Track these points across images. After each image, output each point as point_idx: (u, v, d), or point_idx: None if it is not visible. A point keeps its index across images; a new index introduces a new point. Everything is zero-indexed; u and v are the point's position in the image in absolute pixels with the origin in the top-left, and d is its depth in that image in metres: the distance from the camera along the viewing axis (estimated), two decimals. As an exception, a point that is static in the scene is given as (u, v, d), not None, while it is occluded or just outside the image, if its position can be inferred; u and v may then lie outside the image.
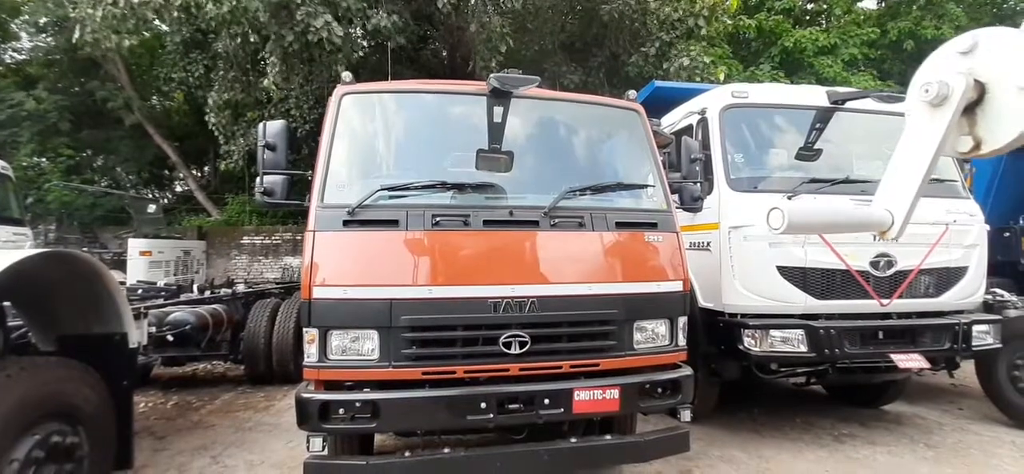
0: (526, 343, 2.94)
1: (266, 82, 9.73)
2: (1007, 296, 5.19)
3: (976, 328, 4.42)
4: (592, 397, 2.94)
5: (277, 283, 10.62)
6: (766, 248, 4.29)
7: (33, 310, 3.47)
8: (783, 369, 4.60)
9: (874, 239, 4.24)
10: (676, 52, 10.61)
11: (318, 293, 2.84)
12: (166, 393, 6.37)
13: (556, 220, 3.13)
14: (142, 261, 10.09)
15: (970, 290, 4.59)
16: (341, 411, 2.76)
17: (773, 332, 4.23)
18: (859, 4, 17.92)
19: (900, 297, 4.39)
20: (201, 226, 14.78)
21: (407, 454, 2.91)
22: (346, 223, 2.94)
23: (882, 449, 4.53)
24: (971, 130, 1.95)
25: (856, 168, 4.71)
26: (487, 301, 2.92)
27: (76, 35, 9.24)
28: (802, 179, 4.44)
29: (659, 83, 6.82)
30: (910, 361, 4.22)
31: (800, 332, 4.21)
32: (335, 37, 8.62)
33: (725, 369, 4.68)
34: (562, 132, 3.69)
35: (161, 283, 8.47)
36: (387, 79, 4.74)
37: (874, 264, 4.34)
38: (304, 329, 2.87)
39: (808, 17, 18.39)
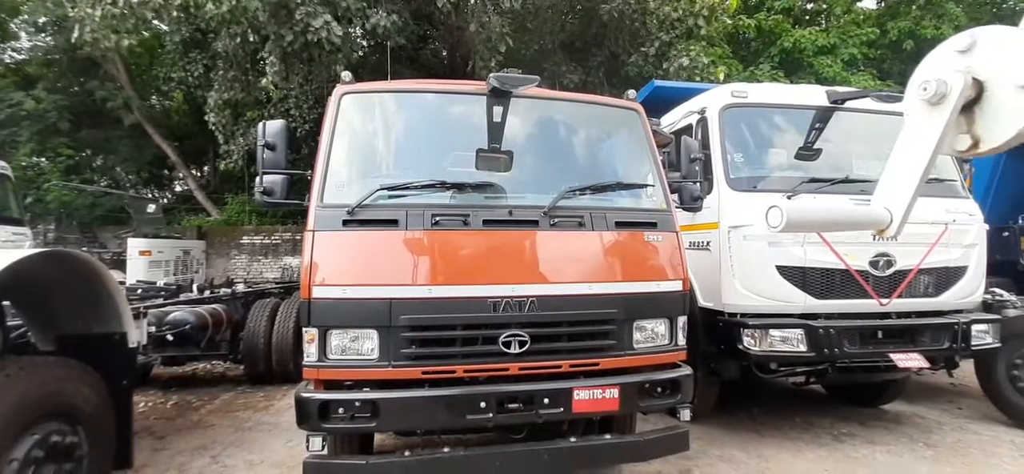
0: (526, 342, 2.94)
1: (264, 81, 9.73)
2: (1006, 295, 5.19)
3: (975, 327, 4.43)
4: (592, 396, 2.94)
5: (277, 283, 10.62)
6: (766, 248, 4.29)
7: (32, 310, 3.47)
8: (782, 368, 4.60)
9: (873, 238, 4.25)
10: (676, 52, 10.61)
11: (318, 293, 2.84)
12: (166, 393, 6.37)
13: (556, 220, 3.13)
14: (141, 261, 10.08)
15: (969, 289, 4.59)
16: (341, 410, 2.76)
17: (772, 332, 4.23)
18: (859, 4, 17.93)
19: (899, 297, 4.39)
20: (200, 226, 14.77)
21: (407, 453, 2.92)
22: (346, 223, 2.94)
23: (881, 448, 4.53)
24: (969, 128, 1.95)
25: (856, 168, 4.71)
26: (487, 300, 2.92)
27: (75, 34, 9.23)
28: (802, 179, 4.45)
29: (659, 83, 6.82)
30: (909, 360, 4.22)
31: (799, 332, 4.21)
32: (334, 37, 8.62)
33: (725, 368, 4.68)
34: (562, 132, 3.69)
35: (160, 283, 8.47)
36: (387, 79, 4.74)
37: (873, 264, 4.34)
38: (304, 329, 2.87)
39: (808, 17, 18.40)
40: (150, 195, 18.93)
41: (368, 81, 3.78)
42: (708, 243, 4.65)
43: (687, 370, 3.26)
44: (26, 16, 16.35)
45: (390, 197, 3.06)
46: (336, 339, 2.84)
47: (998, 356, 4.83)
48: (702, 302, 4.68)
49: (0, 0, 16.08)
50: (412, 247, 2.96)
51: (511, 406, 2.87)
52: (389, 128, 3.59)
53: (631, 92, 3.81)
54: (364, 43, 10.84)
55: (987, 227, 4.77)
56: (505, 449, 3.14)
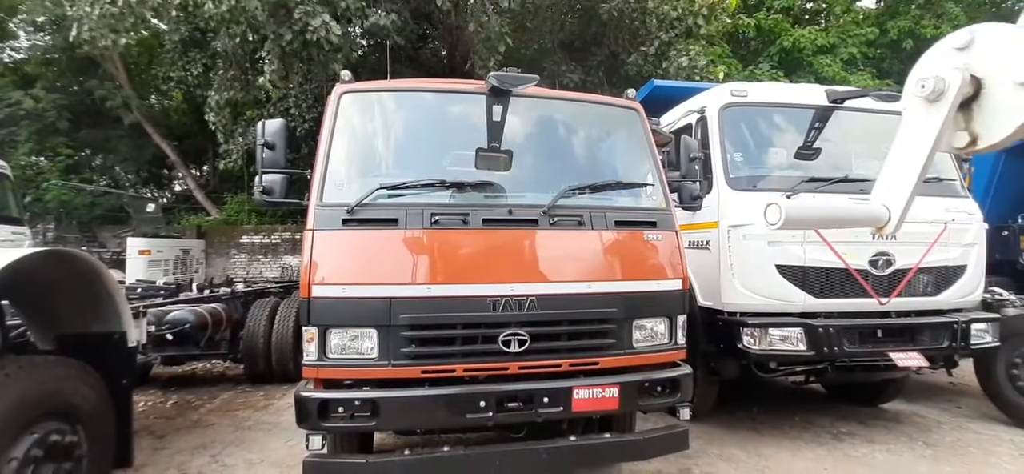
0: (525, 341, 2.94)
1: (262, 80, 9.72)
2: (1005, 295, 5.19)
3: (975, 326, 4.43)
4: (591, 395, 2.95)
5: (276, 282, 10.62)
6: (765, 247, 4.30)
7: (32, 309, 3.47)
8: (782, 367, 4.60)
9: (872, 237, 4.25)
10: (675, 51, 10.62)
11: (317, 292, 2.84)
12: (165, 392, 6.37)
13: (555, 219, 3.13)
14: (141, 260, 10.07)
15: (969, 288, 4.59)
16: (340, 409, 2.76)
17: (772, 331, 4.24)
18: (858, 3, 17.93)
19: (899, 296, 4.40)
20: (200, 225, 14.76)
21: (406, 452, 2.93)
22: (345, 222, 2.94)
23: (881, 447, 4.54)
24: (967, 125, 1.95)
25: (855, 167, 4.71)
26: (486, 300, 2.92)
27: (73, 33, 9.22)
28: (801, 178, 4.45)
29: (658, 82, 6.82)
30: (909, 359, 4.23)
31: (799, 331, 4.21)
32: (333, 36, 8.61)
33: (724, 367, 4.69)
34: (561, 131, 3.69)
35: (160, 282, 8.47)
36: (386, 78, 4.74)
37: (873, 263, 4.34)
38: (303, 328, 2.87)
39: (807, 16, 18.40)
40: (149, 194, 18.90)
41: (367, 80, 3.78)
42: (707, 242, 4.65)
43: (687, 369, 3.26)
44: (25, 15, 16.31)
45: (390, 196, 3.06)
46: (336, 338, 2.84)
47: (997, 355, 4.84)
48: (702, 301, 4.68)
49: (-1, 0, 16.08)
50: (412, 246, 2.96)
51: (511, 405, 2.87)
52: (388, 127, 3.59)
53: (631, 91, 3.81)
54: (363, 42, 10.84)
55: (986, 226, 4.77)
56: (505, 448, 3.15)
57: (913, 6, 16.32)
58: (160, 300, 6.34)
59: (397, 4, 9.87)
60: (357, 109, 3.41)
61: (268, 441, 4.70)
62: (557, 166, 3.57)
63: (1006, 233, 7.02)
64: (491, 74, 3.10)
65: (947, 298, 4.52)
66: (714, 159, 4.61)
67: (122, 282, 7.17)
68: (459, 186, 3.15)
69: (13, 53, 17.29)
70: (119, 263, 10.01)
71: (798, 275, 4.31)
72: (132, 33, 10.46)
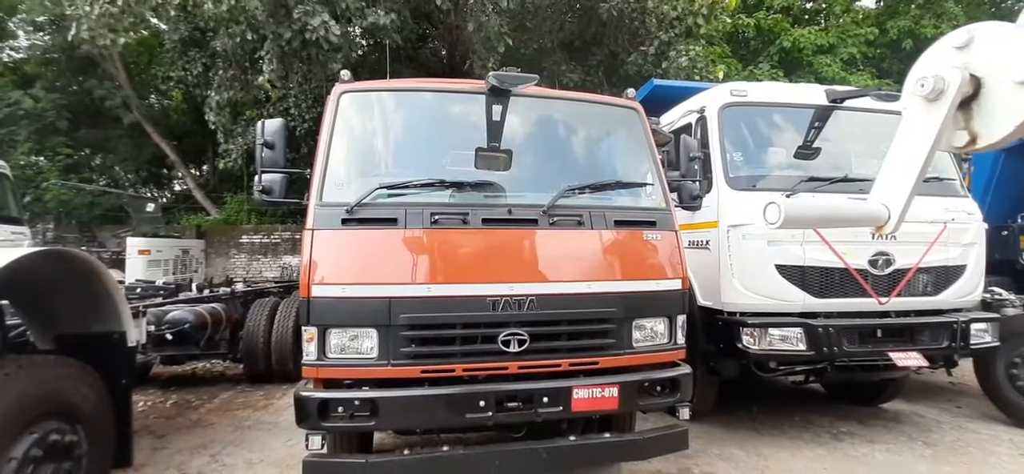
0: (525, 341, 2.94)
1: (261, 79, 9.72)
2: (1005, 294, 5.20)
3: (974, 326, 4.43)
4: (591, 395, 2.94)
5: (276, 282, 10.61)
6: (765, 247, 4.30)
7: (31, 309, 3.47)
8: (782, 367, 4.61)
9: (872, 237, 4.25)
10: (675, 51, 10.61)
11: (317, 291, 2.83)
12: (165, 392, 6.37)
13: (555, 218, 3.13)
14: (140, 260, 10.06)
15: (968, 288, 4.60)
16: (340, 409, 2.76)
17: (772, 330, 4.24)
18: (858, 3, 17.94)
19: (898, 295, 4.40)
20: (199, 225, 14.75)
21: (406, 452, 2.92)
22: (345, 221, 2.93)
23: (880, 447, 4.54)
24: (967, 124, 1.95)
25: (855, 166, 4.71)
26: (486, 299, 2.92)
27: (72, 32, 9.21)
28: (801, 177, 4.45)
29: (658, 82, 6.82)
30: (908, 359, 4.23)
31: (799, 330, 4.22)
32: (333, 36, 8.61)
33: (724, 367, 4.69)
34: (561, 130, 3.69)
35: (160, 282, 8.46)
36: (386, 78, 4.73)
37: (872, 262, 4.34)
38: (303, 327, 2.87)
39: (807, 16, 18.41)
40: (149, 194, 18.89)
41: (367, 80, 3.78)
42: (707, 242, 4.65)
43: (686, 369, 3.26)
44: (24, 14, 16.30)
45: (389, 196, 3.06)
46: (335, 338, 2.84)
47: (997, 355, 4.84)
48: (701, 301, 4.68)
49: (-2, -1, 16.07)
50: (411, 246, 2.96)
51: (510, 405, 2.87)
52: (388, 127, 3.59)
53: (630, 91, 3.81)
54: (363, 42, 10.82)
55: (986, 226, 4.77)
56: (504, 448, 3.14)
57: (913, 6, 16.33)
58: (160, 300, 6.34)
59: (397, 3, 9.86)
60: (357, 109, 3.40)
61: (268, 441, 4.70)
62: (557, 166, 3.57)
63: (1006, 233, 7.02)
64: (491, 74, 3.09)
65: (947, 298, 4.52)
66: (714, 159, 4.61)
67: (121, 282, 7.17)
68: (459, 186, 3.15)
69: (13, 53, 17.28)
70: (119, 263, 10.00)
71: (798, 275, 4.31)
72: (131, 32, 10.44)
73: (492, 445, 3.51)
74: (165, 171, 18.83)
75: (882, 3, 17.99)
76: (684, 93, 5.75)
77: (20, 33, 17.12)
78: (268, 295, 7.26)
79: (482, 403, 2.83)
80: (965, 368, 5.27)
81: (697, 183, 3.77)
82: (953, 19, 15.07)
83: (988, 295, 5.02)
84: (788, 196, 4.19)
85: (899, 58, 15.64)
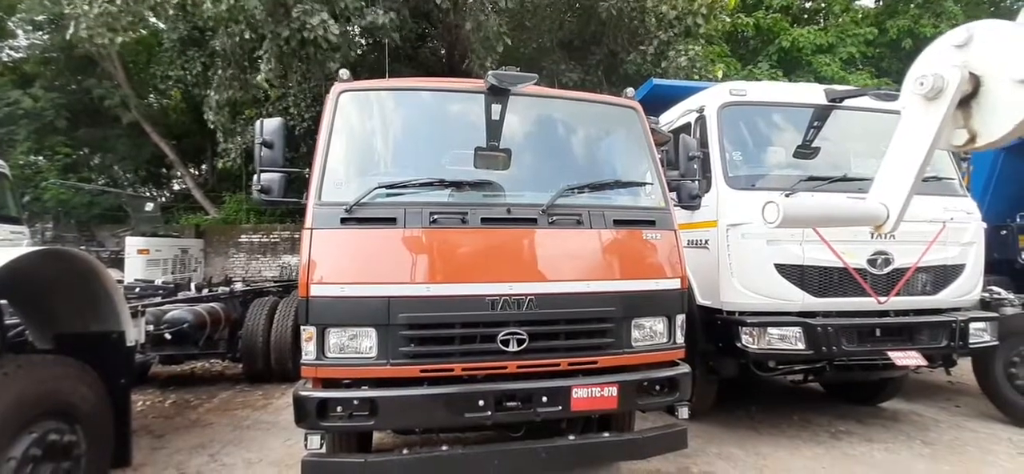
0: (524, 341, 2.94)
1: (259, 78, 9.71)
2: (1004, 294, 5.20)
3: (973, 325, 4.44)
4: (590, 395, 2.95)
5: (275, 281, 10.59)
6: (764, 246, 4.30)
7: (30, 308, 3.46)
8: (781, 367, 4.61)
9: (871, 236, 4.25)
10: (674, 50, 10.61)
11: (316, 291, 2.83)
12: (164, 391, 6.36)
13: (554, 218, 3.13)
14: (139, 259, 10.05)
15: (967, 288, 4.60)
16: (339, 409, 2.76)
17: (771, 330, 4.24)
18: (857, 3, 17.94)
19: (897, 295, 4.40)
20: (199, 224, 14.74)
21: (405, 452, 2.93)
22: (344, 221, 2.93)
23: (879, 446, 4.54)
24: (966, 123, 1.95)
25: (854, 166, 4.71)
26: (485, 299, 2.92)
27: (70, 31, 9.20)
28: (800, 177, 4.45)
29: (657, 81, 6.83)
30: (907, 358, 4.23)
31: (798, 330, 4.22)
32: (331, 35, 8.60)
33: (723, 367, 4.69)
34: (560, 130, 3.69)
35: (159, 281, 8.44)
36: (385, 77, 4.73)
37: (871, 262, 4.35)
38: (302, 327, 2.87)
39: (806, 16, 18.42)
40: (148, 193, 18.88)
41: (366, 79, 3.78)
42: (706, 241, 4.65)
43: (685, 368, 3.27)
44: (23, 14, 16.27)
45: (388, 195, 3.06)
46: (334, 337, 2.84)
47: (995, 354, 4.84)
48: (700, 300, 4.68)
49: (-4, -2, 16.04)
50: (410, 245, 2.96)
51: (509, 404, 2.87)
52: (387, 126, 3.58)
53: (629, 90, 3.81)
54: (362, 41, 10.81)
55: (985, 225, 4.77)
56: (503, 447, 3.15)
57: (912, 5, 16.34)
58: (158, 299, 6.33)
59: (396, 3, 9.85)
60: (356, 108, 3.40)
61: (267, 440, 4.70)
62: (556, 165, 3.57)
63: (1005, 232, 7.02)
64: (490, 73, 3.09)
65: (945, 297, 4.53)
66: (713, 158, 4.61)
67: (120, 281, 7.17)
68: (458, 185, 3.15)
69: (12, 52, 17.25)
70: (117, 262, 10.00)
71: (797, 274, 4.31)
72: (130, 32, 10.42)
73: (491, 444, 3.51)
74: (164, 170, 18.82)
75: (881, 2, 18.01)
76: (683, 92, 5.75)
77: (19, 32, 17.09)
78: (267, 294, 7.25)
79: (481, 402, 2.83)
80: (964, 367, 5.27)
81: (696, 182, 3.77)
82: (952, 18, 15.09)
83: (987, 294, 5.02)
84: (787, 195, 4.20)
85: (898, 57, 15.64)
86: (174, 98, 17.91)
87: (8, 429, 2.57)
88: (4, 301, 3.43)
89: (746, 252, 4.36)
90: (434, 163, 3.36)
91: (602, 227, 3.20)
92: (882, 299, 4.38)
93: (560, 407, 2.91)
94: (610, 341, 3.10)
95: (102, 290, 3.36)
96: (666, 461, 4.00)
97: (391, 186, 3.08)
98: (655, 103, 5.49)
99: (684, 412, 3.34)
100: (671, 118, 5.45)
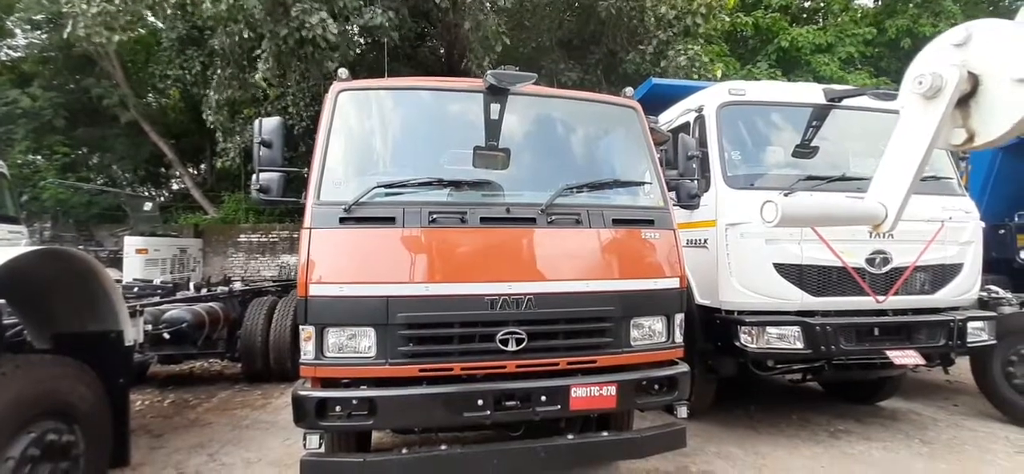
0: (523, 340, 2.94)
1: (257, 77, 9.70)
2: (1002, 293, 5.22)
3: (971, 325, 4.44)
4: (589, 394, 2.95)
5: (274, 281, 10.57)
6: (763, 245, 4.30)
7: (28, 308, 3.46)
8: (779, 366, 4.62)
9: (869, 235, 4.26)
10: (673, 50, 10.62)
11: (314, 290, 2.83)
12: (163, 391, 6.36)
13: (553, 217, 3.13)
14: (138, 259, 10.04)
15: (965, 287, 4.61)
16: (338, 408, 2.75)
17: (769, 329, 4.24)
18: (856, 2, 17.96)
19: (896, 294, 4.41)
20: (197, 224, 14.72)
21: (404, 451, 2.93)
22: (342, 220, 2.93)
23: (877, 445, 4.55)
24: (965, 122, 1.95)
25: (853, 165, 4.72)
26: (484, 298, 2.92)
27: (68, 30, 9.18)
28: (799, 176, 4.46)
29: (656, 80, 6.83)
30: (906, 357, 4.24)
31: (796, 329, 4.22)
32: (330, 34, 8.60)
33: (722, 366, 4.70)
34: (559, 129, 3.69)
35: (157, 281, 8.43)
36: (383, 76, 4.73)
37: (870, 261, 4.35)
38: (301, 326, 2.86)
39: (805, 15, 18.43)
40: (147, 193, 18.83)
41: (365, 78, 3.77)
42: (705, 241, 4.65)
43: (684, 367, 3.27)
44: (22, 13, 16.24)
45: (387, 195, 3.06)
46: (333, 337, 2.84)
47: (993, 353, 4.85)
48: (699, 300, 4.69)
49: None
50: (409, 245, 2.96)
51: (508, 404, 2.87)
52: (386, 125, 3.58)
53: (629, 90, 3.81)
54: (361, 41, 10.80)
55: (983, 224, 4.78)
56: (502, 446, 3.15)
57: (911, 5, 16.37)
58: (157, 299, 6.31)
59: (395, 2, 9.86)
60: (354, 107, 3.40)
61: (266, 440, 4.70)
62: (555, 164, 3.57)
63: (1003, 231, 7.03)
64: (489, 72, 3.09)
65: (944, 296, 4.53)
66: (712, 157, 4.61)
67: (119, 281, 7.14)
68: (457, 185, 3.14)
69: (10, 51, 17.22)
70: (116, 262, 9.98)
71: (795, 273, 4.31)
72: (128, 31, 10.41)
73: (490, 444, 3.51)
74: (163, 170, 18.80)
75: (880, 2, 18.03)
76: (682, 92, 5.75)
77: (17, 31, 17.06)
78: (266, 294, 7.24)
79: (480, 402, 2.83)
80: (962, 366, 5.28)
81: (695, 182, 3.77)
82: (951, 17, 15.10)
83: (985, 293, 5.04)
84: (786, 195, 4.21)
85: (897, 57, 15.66)
86: (173, 97, 17.89)
87: (6, 429, 2.57)
88: (2, 301, 3.42)
89: (745, 251, 4.36)
90: (433, 162, 3.36)
91: (601, 226, 3.20)
92: (880, 298, 4.38)
93: (559, 406, 2.91)
94: (609, 340, 3.10)
95: (100, 290, 3.36)
96: (665, 460, 4.01)
97: (390, 185, 3.08)
98: (654, 102, 5.49)
99: (683, 411, 3.35)
100: (670, 117, 5.46)
